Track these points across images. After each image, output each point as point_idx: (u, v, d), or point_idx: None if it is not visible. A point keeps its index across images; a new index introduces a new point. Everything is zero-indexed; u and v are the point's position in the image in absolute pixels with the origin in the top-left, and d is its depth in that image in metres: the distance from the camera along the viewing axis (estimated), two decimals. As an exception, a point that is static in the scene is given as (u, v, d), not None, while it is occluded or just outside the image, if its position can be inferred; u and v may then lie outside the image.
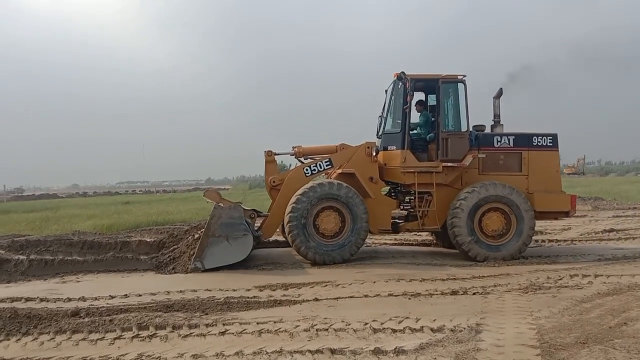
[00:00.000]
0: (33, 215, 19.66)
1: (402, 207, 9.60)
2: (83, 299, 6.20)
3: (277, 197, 8.99)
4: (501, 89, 9.69)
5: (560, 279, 6.72)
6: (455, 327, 4.70)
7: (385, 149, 9.24)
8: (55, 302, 6.13)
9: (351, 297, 6.00)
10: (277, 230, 9.59)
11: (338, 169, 9.11)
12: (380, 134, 9.54)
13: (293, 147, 9.45)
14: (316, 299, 5.90)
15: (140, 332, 4.76)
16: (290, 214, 8.35)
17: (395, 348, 4.11)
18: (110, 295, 6.30)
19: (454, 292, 6.08)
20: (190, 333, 4.74)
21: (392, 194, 9.75)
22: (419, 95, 9.66)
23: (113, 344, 4.54)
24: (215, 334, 4.69)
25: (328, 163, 9.13)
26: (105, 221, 15.25)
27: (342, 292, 6.24)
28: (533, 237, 9.02)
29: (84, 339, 4.66)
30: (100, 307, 5.71)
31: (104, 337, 4.68)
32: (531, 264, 7.96)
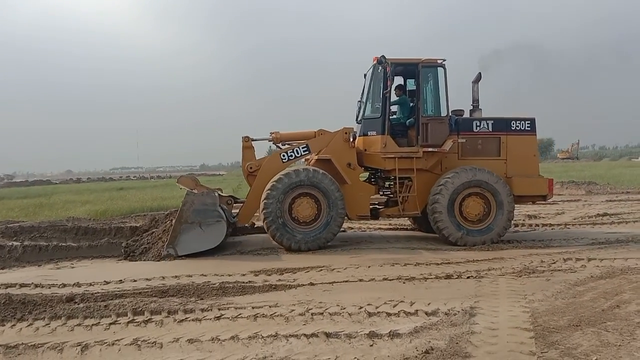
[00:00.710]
0: (27, 201, 19.54)
1: (382, 193, 9.60)
2: (78, 284, 6.19)
3: (253, 183, 8.96)
4: (480, 73, 9.69)
5: (554, 263, 6.77)
6: (449, 310, 4.73)
7: (365, 134, 9.21)
8: (49, 287, 6.11)
9: (346, 281, 6.02)
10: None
11: (315, 155, 9.07)
12: (359, 119, 9.48)
13: (271, 133, 9.38)
14: (311, 284, 5.92)
15: (135, 318, 4.76)
16: (265, 201, 8.31)
17: (390, 331, 4.13)
18: (105, 281, 6.29)
19: (448, 276, 6.12)
20: (186, 318, 4.74)
21: (372, 180, 9.74)
22: (399, 80, 9.65)
23: (108, 329, 4.54)
24: (210, 319, 4.69)
25: (305, 149, 9.10)
26: (99, 207, 15.17)
27: (337, 277, 6.27)
28: (528, 222, 9.08)
29: (79, 325, 4.65)
30: (95, 293, 5.70)
31: (99, 323, 4.67)
32: (525, 248, 8.01)
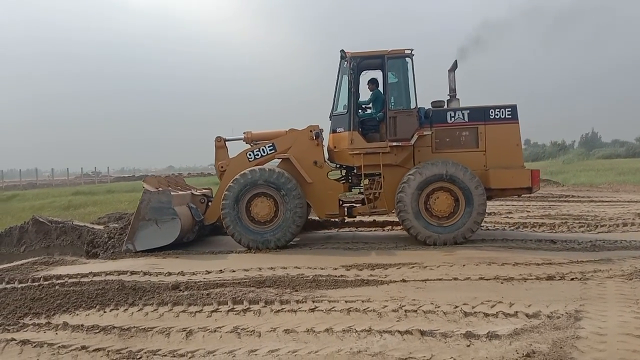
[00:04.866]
0: (133, 194, 21.04)
1: (359, 191, 9.29)
2: (182, 273, 6.60)
3: (221, 183, 9.03)
4: (456, 61, 9.15)
5: (670, 266, 6.20)
6: (552, 313, 4.48)
7: (334, 131, 9.00)
8: (157, 275, 6.57)
9: (440, 279, 5.90)
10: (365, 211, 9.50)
11: (278, 153, 8.99)
12: (330, 115, 9.26)
13: (244, 133, 9.42)
14: (403, 280, 5.86)
15: (235, 306, 4.99)
16: (223, 201, 8.42)
17: (488, 332, 4.00)
18: (206, 271, 6.65)
19: (550, 277, 5.80)
20: (282, 308, 4.89)
21: (349, 178, 9.43)
22: (374, 74, 9.32)
23: (210, 316, 4.80)
24: (305, 311, 4.81)
25: (271, 148, 9.03)
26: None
27: (430, 274, 6.16)
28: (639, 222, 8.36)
29: (184, 311, 4.97)
30: (198, 282, 6.06)
31: (202, 310, 4.96)
32: (635, 249, 7.39)
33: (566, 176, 24.07)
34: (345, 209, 9.13)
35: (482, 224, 8.55)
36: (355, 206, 9.10)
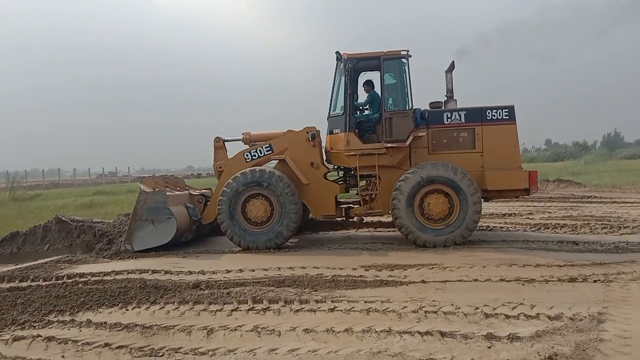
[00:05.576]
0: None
1: (356, 192, 9.27)
2: (202, 272, 6.66)
3: (219, 183, 9.08)
4: (453, 62, 9.06)
5: (698, 269, 6.07)
6: (574, 315, 4.42)
7: (331, 132, 9.01)
8: (178, 274, 6.65)
9: (460, 280, 5.86)
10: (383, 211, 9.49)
11: (274, 154, 9.04)
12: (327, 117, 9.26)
13: (242, 134, 9.48)
14: (423, 281, 5.84)
15: (255, 305, 5.03)
16: (220, 200, 8.53)
17: (510, 334, 3.96)
18: (226, 270, 6.72)
19: (572, 279, 5.72)
20: (301, 308, 4.91)
21: (346, 179, 9.42)
22: (370, 75, 9.32)
23: (231, 315, 4.84)
24: (324, 310, 4.82)
25: (268, 148, 9.07)
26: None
27: (450, 275, 6.12)
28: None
29: (204, 310, 5.01)
30: (218, 281, 6.12)
31: (222, 309, 5.00)
32: (661, 251, 7.26)
33: (588, 177, 23.71)
34: (343, 210, 9.16)
35: (476, 227, 8.45)
36: (353, 207, 9.17)
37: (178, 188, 9.99)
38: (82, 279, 6.48)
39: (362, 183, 8.95)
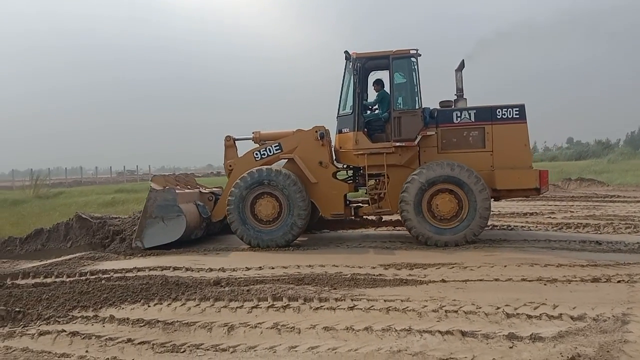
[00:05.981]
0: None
1: (365, 191, 9.24)
2: (223, 269, 6.72)
3: (228, 181, 9.10)
4: (463, 60, 8.94)
5: None
6: (598, 316, 4.36)
7: (340, 131, 8.98)
8: (198, 271, 6.71)
9: (481, 280, 5.81)
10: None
11: (283, 153, 9.03)
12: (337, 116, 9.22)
13: (253, 133, 9.51)
14: (443, 280, 5.80)
15: (275, 303, 5.05)
16: (229, 199, 8.58)
17: (532, 334, 3.92)
18: (246, 267, 6.77)
19: (596, 280, 5.63)
20: (321, 306, 4.92)
21: (355, 178, 9.38)
22: (380, 74, 9.26)
23: (251, 312, 4.87)
24: (344, 309, 4.82)
25: (277, 147, 9.09)
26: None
27: (470, 275, 6.08)
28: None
29: (225, 307, 5.05)
30: (239, 278, 6.16)
31: (242, 306, 5.04)
32: (687, 252, 7.11)
33: (611, 176, 23.28)
34: (352, 209, 9.18)
35: (486, 226, 8.40)
36: (362, 206, 9.17)
37: (189, 186, 10.10)
38: (105, 276, 6.58)
39: (371, 182, 8.96)
